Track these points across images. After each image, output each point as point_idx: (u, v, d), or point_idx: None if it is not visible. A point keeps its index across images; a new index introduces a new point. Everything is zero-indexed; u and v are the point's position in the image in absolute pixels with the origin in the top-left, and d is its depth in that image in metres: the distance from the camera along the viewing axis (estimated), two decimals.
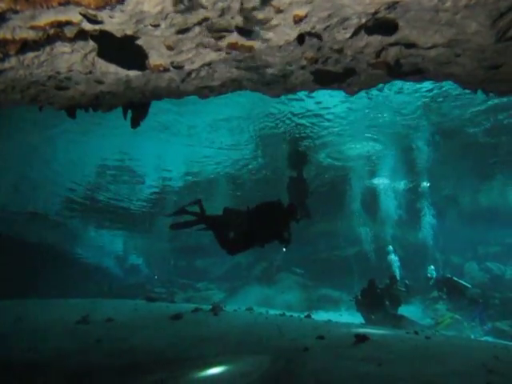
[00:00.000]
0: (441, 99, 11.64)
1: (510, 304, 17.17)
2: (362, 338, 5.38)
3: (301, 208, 11.30)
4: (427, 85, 10.72)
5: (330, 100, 11.65)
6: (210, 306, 9.71)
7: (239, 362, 4.54)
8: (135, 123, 4.98)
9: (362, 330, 6.14)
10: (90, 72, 3.44)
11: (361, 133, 13.98)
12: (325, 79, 3.89)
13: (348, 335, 5.80)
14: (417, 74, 3.85)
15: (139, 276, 27.12)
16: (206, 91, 4.12)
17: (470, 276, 20.92)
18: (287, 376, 4.04)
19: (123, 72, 3.46)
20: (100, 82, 3.65)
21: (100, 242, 27.12)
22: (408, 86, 10.77)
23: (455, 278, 14.94)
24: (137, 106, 4.88)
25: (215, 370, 4.26)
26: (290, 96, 11.40)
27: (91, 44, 3.03)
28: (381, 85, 4.43)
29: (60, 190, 18.81)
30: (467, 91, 11.39)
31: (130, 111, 5.00)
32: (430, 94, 11.36)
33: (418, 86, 10.77)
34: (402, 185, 19.65)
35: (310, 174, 16.65)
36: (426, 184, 19.55)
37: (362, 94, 11.35)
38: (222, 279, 24.73)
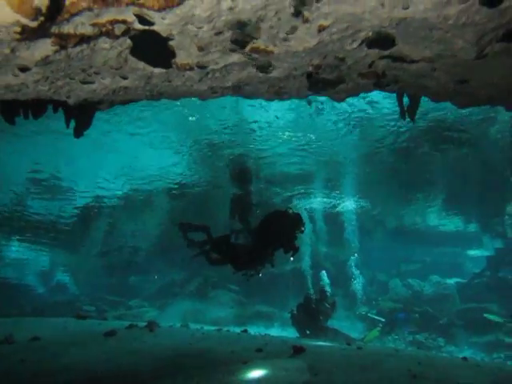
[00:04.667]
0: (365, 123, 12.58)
1: (428, 317, 18.58)
2: (298, 350, 5.54)
3: (244, 224, 11.56)
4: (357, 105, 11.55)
5: (264, 115, 12.13)
6: (145, 323, 9.39)
7: (178, 376, 4.47)
8: (78, 132, 4.86)
9: (298, 343, 6.32)
10: (120, 68, 3.52)
11: (292, 153, 14.59)
12: (318, 85, 4.17)
13: (285, 347, 5.92)
14: (395, 84, 4.22)
15: (66, 294, 25.44)
16: (208, 92, 4.27)
17: (395, 292, 22.32)
18: None
19: (149, 69, 3.58)
20: (124, 78, 3.74)
21: (23, 259, 25.18)
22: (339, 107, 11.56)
23: (370, 315, 17.28)
24: (80, 115, 4.78)
25: None
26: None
27: (128, 42, 3.13)
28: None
29: None
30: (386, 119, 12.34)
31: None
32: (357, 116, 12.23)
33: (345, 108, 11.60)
34: (331, 205, 20.65)
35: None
36: (353, 205, 20.76)
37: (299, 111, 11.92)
38: (156, 296, 23.95)
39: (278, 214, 7.30)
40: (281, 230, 6.99)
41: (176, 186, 17.29)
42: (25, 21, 2.49)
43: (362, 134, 13.20)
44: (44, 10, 2.45)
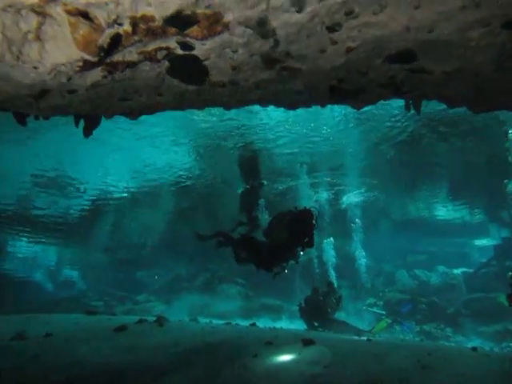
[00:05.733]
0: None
1: (435, 308, 18.60)
2: (308, 342, 5.58)
3: (252, 219, 11.66)
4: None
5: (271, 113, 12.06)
6: (154, 318, 9.47)
7: (190, 370, 4.53)
8: (88, 132, 4.86)
9: (307, 335, 6.36)
10: (157, 86, 3.70)
11: (296, 144, 14.56)
12: (339, 96, 4.30)
13: (294, 340, 5.96)
14: (413, 93, 4.32)
15: (73, 290, 25.65)
16: (235, 104, 4.45)
17: (401, 283, 22.34)
18: (239, 381, 4.12)
19: (184, 86, 3.74)
20: (160, 95, 3.93)
21: (31, 255, 25.38)
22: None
23: (369, 309, 17.47)
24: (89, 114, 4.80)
25: (165, 380, 4.22)
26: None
27: (166, 63, 3.30)
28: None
29: None
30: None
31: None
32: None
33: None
34: (336, 197, 20.61)
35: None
36: (358, 197, 20.74)
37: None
38: (163, 291, 24.11)
39: (299, 212, 7.44)
40: (303, 228, 7.18)
41: (182, 181, 17.32)
42: (88, 57, 2.75)
43: (366, 125, 13.13)
44: (106, 47, 2.72)
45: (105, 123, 5.59)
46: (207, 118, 12.31)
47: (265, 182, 15.97)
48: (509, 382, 4.13)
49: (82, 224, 21.55)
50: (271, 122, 12.85)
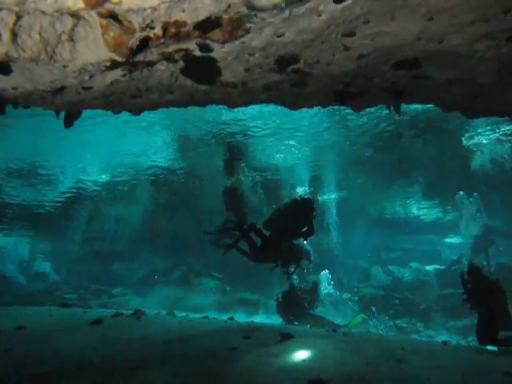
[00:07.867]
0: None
1: (408, 303, 19.09)
2: (286, 337, 5.64)
3: (237, 214, 11.64)
4: None
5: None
6: (131, 311, 9.37)
7: (168, 365, 4.51)
8: (69, 122, 4.74)
9: (285, 330, 6.42)
10: (170, 85, 3.76)
11: (282, 142, 14.61)
12: (342, 98, 4.45)
13: (273, 334, 5.99)
14: (411, 97, 4.49)
15: (46, 282, 25.04)
16: (241, 103, 4.55)
17: (376, 279, 22.79)
18: (216, 374, 4.13)
19: (196, 86, 3.82)
20: (171, 93, 3.99)
21: (1, 248, 24.63)
22: None
23: (342, 297, 18.01)
24: None
25: (144, 374, 4.19)
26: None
27: (181, 63, 3.35)
28: None
29: None
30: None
31: None
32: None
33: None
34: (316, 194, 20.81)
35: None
36: (335, 194, 21.03)
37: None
38: (139, 284, 23.85)
39: (298, 203, 7.51)
40: (301, 216, 7.27)
41: (158, 173, 17.11)
42: (117, 58, 2.83)
43: (342, 123, 13.25)
44: (134, 48, 2.81)
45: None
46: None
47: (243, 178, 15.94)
48: (477, 372, 4.29)
49: (56, 215, 21.05)
50: (248, 115, 12.82)
